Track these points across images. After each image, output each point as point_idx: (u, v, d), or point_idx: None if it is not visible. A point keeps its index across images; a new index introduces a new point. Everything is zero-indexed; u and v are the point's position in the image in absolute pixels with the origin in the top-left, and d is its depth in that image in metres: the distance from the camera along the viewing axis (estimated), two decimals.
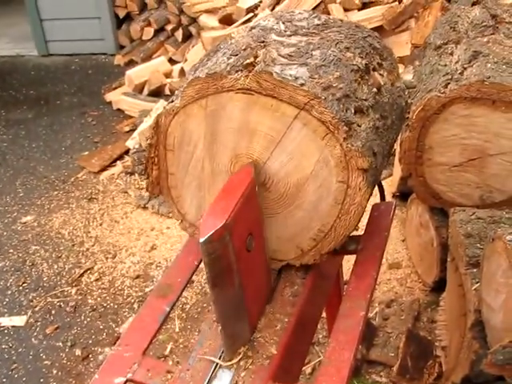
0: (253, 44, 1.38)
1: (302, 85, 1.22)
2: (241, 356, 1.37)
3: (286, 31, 1.39)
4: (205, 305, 2.93)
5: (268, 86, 1.25)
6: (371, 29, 3.23)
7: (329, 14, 4.55)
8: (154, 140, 1.45)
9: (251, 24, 1.58)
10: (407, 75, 3.90)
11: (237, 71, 1.29)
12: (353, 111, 1.27)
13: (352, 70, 1.34)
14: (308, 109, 1.24)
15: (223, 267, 1.21)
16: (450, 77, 2.25)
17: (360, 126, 1.27)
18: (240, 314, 1.35)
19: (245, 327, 1.39)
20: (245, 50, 1.36)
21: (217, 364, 1.36)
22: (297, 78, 1.23)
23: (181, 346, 2.73)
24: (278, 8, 4.69)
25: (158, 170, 1.50)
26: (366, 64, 1.39)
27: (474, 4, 2.67)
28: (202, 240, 1.14)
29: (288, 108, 1.27)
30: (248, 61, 1.30)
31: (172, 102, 1.40)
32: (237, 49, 1.38)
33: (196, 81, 1.34)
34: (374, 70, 1.42)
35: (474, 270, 1.93)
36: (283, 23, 1.42)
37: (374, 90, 1.39)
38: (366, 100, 1.33)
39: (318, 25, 1.45)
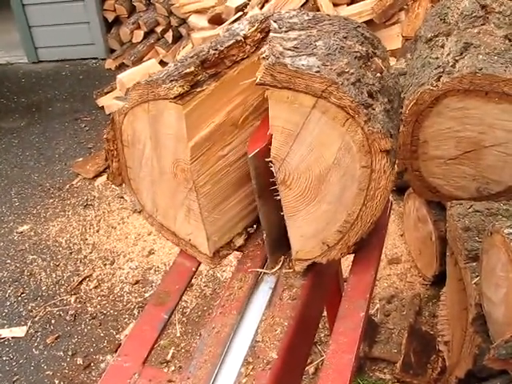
0: (203, 51, 1.38)
1: (318, 72, 1.20)
2: (281, 263, 1.56)
3: (281, 28, 1.38)
4: (205, 308, 2.92)
5: (283, 78, 1.24)
6: (362, 23, 3.22)
7: (318, 10, 4.53)
8: (110, 135, 1.51)
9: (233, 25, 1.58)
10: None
11: (171, 81, 1.30)
12: (366, 95, 1.26)
13: (356, 57, 1.33)
14: (326, 96, 1.22)
15: (266, 180, 1.39)
16: (441, 70, 2.23)
17: (374, 110, 1.26)
18: (280, 223, 1.47)
19: (283, 236, 1.51)
20: (191, 57, 1.36)
21: (260, 273, 1.58)
22: (310, 67, 1.22)
23: (182, 350, 2.72)
24: (266, 6, 4.68)
25: (118, 163, 1.55)
26: (366, 51, 1.38)
27: None
28: (250, 156, 1.34)
29: (305, 98, 1.25)
30: (187, 70, 1.31)
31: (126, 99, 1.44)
32: (188, 55, 1.38)
33: (138, 86, 1.37)
34: (372, 57, 1.41)
35: (474, 264, 1.93)
36: (275, 22, 1.41)
37: (378, 75, 1.38)
38: (373, 85, 1.32)
39: (309, 20, 1.44)
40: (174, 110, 1.33)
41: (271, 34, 1.37)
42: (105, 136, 1.50)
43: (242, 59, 1.44)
